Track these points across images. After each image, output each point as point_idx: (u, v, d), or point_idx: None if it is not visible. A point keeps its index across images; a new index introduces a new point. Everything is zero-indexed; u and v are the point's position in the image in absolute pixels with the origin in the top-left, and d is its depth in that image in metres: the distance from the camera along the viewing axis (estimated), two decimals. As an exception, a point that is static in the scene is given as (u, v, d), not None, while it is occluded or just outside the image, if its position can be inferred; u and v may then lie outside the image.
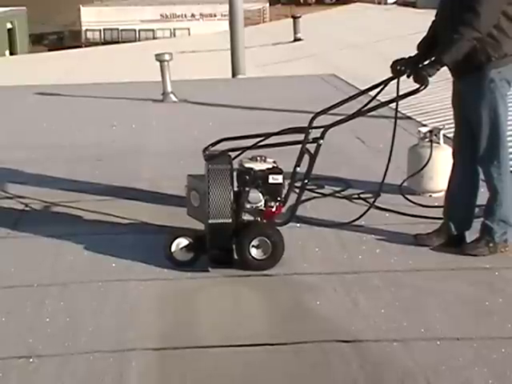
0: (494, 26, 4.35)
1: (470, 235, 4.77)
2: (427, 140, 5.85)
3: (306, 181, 4.66)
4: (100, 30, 50.73)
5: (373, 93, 4.91)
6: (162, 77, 10.98)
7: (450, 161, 4.89)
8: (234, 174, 4.56)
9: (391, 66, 4.73)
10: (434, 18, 4.69)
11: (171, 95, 10.90)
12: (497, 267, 4.51)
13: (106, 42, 43.82)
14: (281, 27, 29.59)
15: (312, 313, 4.02)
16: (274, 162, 4.67)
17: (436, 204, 5.42)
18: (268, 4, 54.75)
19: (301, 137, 4.65)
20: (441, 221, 4.91)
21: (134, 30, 49.49)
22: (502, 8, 4.35)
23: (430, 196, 5.82)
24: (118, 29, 50.29)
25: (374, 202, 5.28)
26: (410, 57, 4.70)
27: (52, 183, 6.46)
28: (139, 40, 44.46)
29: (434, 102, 9.65)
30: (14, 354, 3.63)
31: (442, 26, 4.55)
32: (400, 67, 4.67)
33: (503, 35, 4.38)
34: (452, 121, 4.87)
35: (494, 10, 4.32)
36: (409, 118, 8.89)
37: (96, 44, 42.22)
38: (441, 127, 5.94)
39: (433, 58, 4.47)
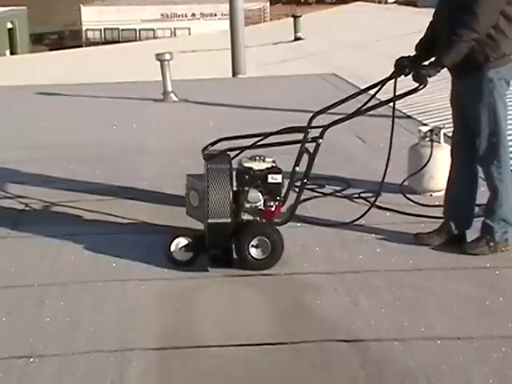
0: (493, 27, 4.34)
1: (471, 234, 4.77)
2: (428, 139, 5.85)
3: (306, 180, 4.65)
4: (100, 30, 50.80)
5: (372, 92, 4.91)
6: (163, 76, 10.97)
7: (450, 160, 4.89)
8: (234, 173, 4.56)
9: (395, 64, 4.73)
10: (431, 19, 4.69)
11: (171, 95, 10.90)
12: (497, 266, 4.51)
13: (106, 42, 43.84)
14: (281, 26, 29.57)
15: (312, 312, 4.01)
16: (274, 162, 4.66)
17: (436, 203, 5.41)
18: (268, 3, 54.79)
19: (300, 136, 4.65)
20: (441, 220, 4.91)
21: (135, 30, 49.55)
22: (501, 8, 4.34)
23: (431, 195, 5.81)
24: (118, 28, 50.35)
25: (375, 201, 5.29)
26: (410, 56, 4.70)
27: (52, 183, 6.45)
28: (140, 39, 44.50)
29: (434, 101, 9.63)
30: (14, 354, 3.62)
31: (440, 26, 4.54)
32: (403, 65, 4.67)
33: (502, 35, 4.37)
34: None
35: (492, 10, 4.31)
36: (409, 117, 8.87)
37: (96, 43, 42.21)
38: (441, 126, 5.93)
39: (432, 60, 4.47)
